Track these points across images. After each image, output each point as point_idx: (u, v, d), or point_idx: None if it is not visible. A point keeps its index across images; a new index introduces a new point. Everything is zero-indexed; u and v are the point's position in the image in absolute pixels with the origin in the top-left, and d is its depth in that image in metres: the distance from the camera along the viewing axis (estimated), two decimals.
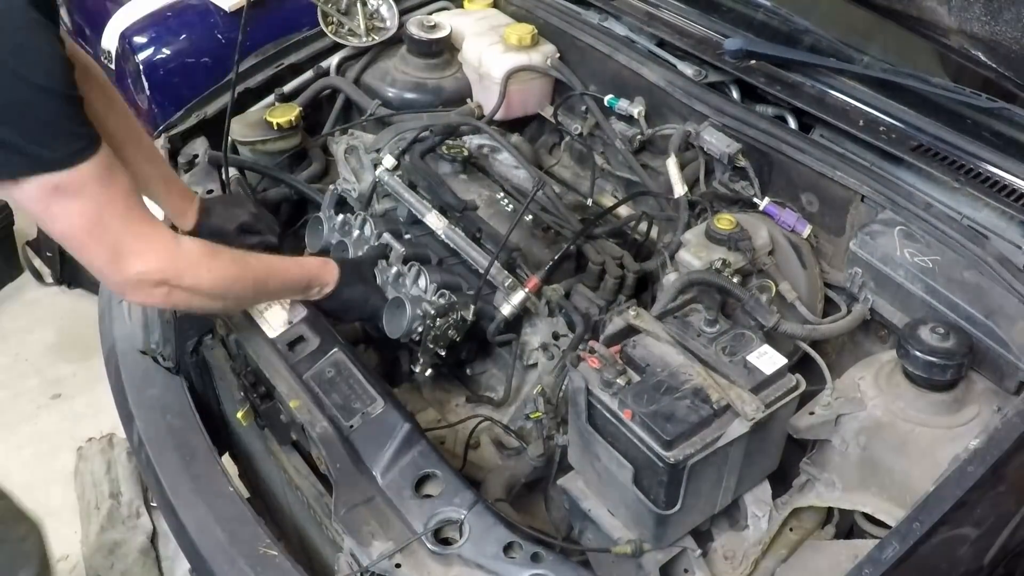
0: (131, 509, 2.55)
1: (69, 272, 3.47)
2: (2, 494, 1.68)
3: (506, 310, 1.66)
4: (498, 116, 2.17)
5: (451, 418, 1.74)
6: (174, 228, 1.76)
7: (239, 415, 1.71)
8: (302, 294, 1.68)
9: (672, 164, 1.83)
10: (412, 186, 1.94)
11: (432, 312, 1.60)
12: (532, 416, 1.50)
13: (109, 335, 1.95)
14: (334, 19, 2.32)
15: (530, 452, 1.50)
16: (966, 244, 1.54)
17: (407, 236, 1.89)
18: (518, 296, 1.66)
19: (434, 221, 1.83)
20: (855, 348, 1.71)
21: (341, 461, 1.50)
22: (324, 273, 1.68)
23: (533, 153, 2.20)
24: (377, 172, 1.94)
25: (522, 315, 1.69)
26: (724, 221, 1.61)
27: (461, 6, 2.46)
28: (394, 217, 1.91)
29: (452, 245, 1.79)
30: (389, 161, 1.96)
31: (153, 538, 2.49)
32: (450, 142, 1.98)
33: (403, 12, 2.38)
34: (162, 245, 1.38)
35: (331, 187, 2.01)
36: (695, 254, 1.61)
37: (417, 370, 1.69)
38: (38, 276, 3.56)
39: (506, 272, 1.70)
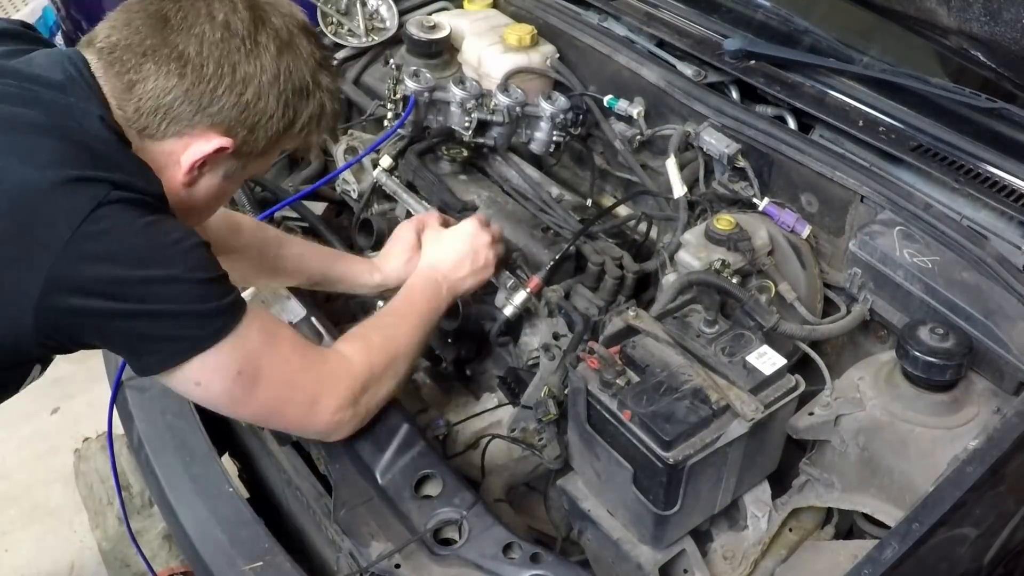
0: (143, 499, 2.56)
1: None
2: None
3: (508, 311, 1.66)
4: None
5: (451, 418, 1.74)
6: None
7: None
8: (438, 300, 1.62)
9: (671, 164, 1.83)
10: (411, 186, 1.94)
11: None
12: (545, 419, 1.49)
13: None
14: (333, 19, 2.32)
15: (547, 455, 1.50)
16: (965, 244, 1.54)
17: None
18: (520, 296, 1.66)
19: None
20: (854, 348, 1.71)
21: (340, 461, 1.50)
22: (426, 266, 1.66)
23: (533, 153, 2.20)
24: (375, 173, 1.94)
25: (522, 316, 1.69)
26: (723, 222, 1.61)
27: (461, 6, 2.45)
28: (393, 218, 1.92)
29: None
30: (387, 161, 1.96)
31: None
32: (450, 143, 1.98)
33: (403, 12, 2.37)
34: (339, 369, 1.37)
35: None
36: (694, 254, 1.61)
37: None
38: None
39: (507, 272, 1.70)
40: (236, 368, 1.23)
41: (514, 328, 1.72)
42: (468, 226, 1.68)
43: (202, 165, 1.26)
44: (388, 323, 1.53)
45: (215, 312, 1.19)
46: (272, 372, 1.28)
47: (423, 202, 1.88)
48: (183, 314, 1.17)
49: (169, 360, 1.20)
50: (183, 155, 1.24)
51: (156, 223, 1.16)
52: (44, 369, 1.37)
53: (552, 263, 1.69)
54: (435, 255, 1.67)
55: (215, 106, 1.21)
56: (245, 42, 1.21)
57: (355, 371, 1.38)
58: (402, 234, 1.76)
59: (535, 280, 1.67)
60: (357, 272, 1.75)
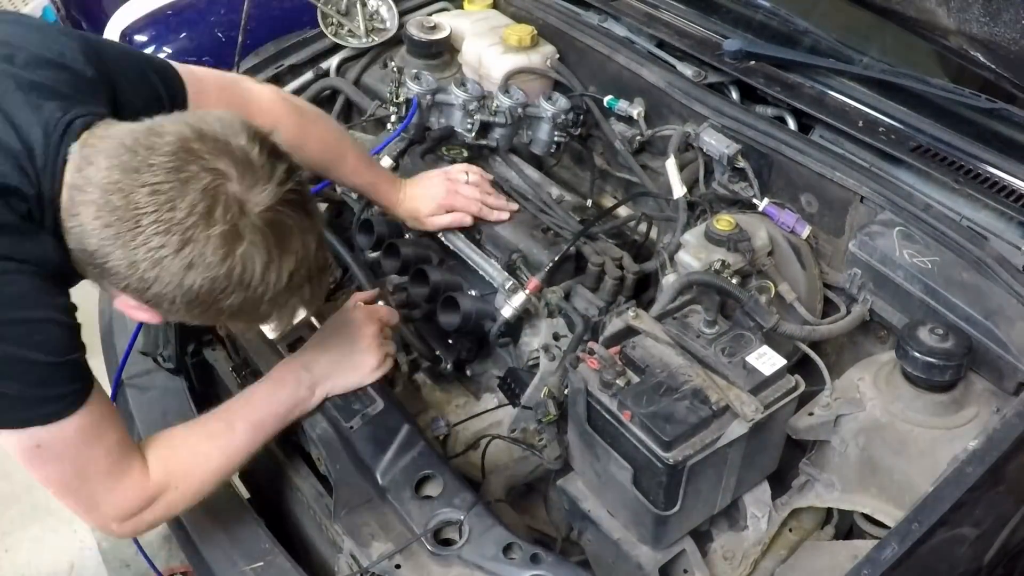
0: None
1: None
2: None
3: (507, 312, 1.66)
4: None
5: (451, 418, 1.74)
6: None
7: None
8: (298, 401, 1.51)
9: (671, 165, 1.83)
10: None
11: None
12: (545, 420, 1.49)
13: (109, 335, 1.96)
14: (334, 20, 2.32)
15: (547, 456, 1.50)
16: (965, 245, 1.54)
17: (408, 236, 1.90)
18: (519, 298, 1.66)
19: None
20: (854, 349, 1.71)
21: (341, 462, 1.50)
22: (306, 372, 1.52)
23: (533, 153, 2.20)
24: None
25: (522, 316, 1.69)
26: (723, 222, 1.61)
27: (461, 7, 2.46)
28: (393, 218, 1.91)
29: (451, 247, 1.79)
30: (387, 162, 1.96)
31: None
32: (450, 143, 1.98)
33: (403, 13, 2.38)
34: (132, 489, 1.31)
35: None
36: (694, 255, 1.61)
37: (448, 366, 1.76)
38: None
39: (506, 274, 1.70)
40: (36, 442, 1.21)
41: (514, 329, 1.72)
42: (357, 325, 1.56)
43: None
44: (219, 435, 1.41)
45: (41, 399, 1.18)
46: (69, 464, 1.25)
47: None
48: (6, 394, 1.16)
49: None
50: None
51: (21, 296, 1.15)
52: None
53: (551, 264, 1.69)
54: (314, 355, 1.53)
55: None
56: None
57: (147, 495, 1.32)
58: (435, 182, 1.80)
59: (534, 281, 1.67)
60: (387, 202, 1.82)
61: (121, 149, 1.12)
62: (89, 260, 1.15)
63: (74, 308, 1.22)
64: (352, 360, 1.54)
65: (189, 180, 1.09)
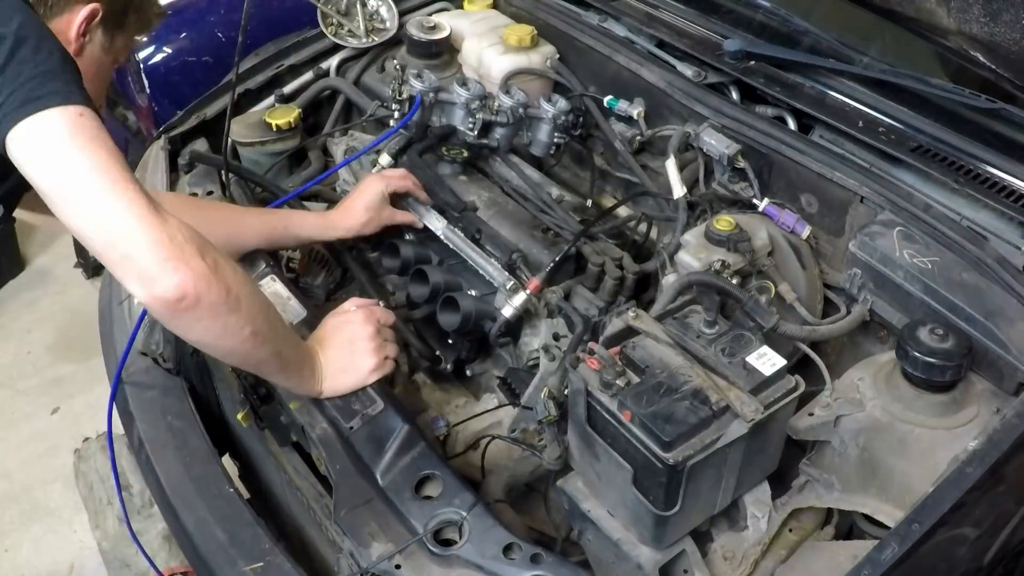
0: (143, 499, 2.56)
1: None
2: None
3: (508, 312, 1.66)
4: None
5: (451, 418, 1.74)
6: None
7: (239, 416, 1.71)
8: (311, 374, 1.52)
9: (671, 165, 1.83)
10: None
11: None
12: (545, 420, 1.49)
13: (109, 335, 1.96)
14: (334, 20, 2.32)
15: (547, 456, 1.50)
16: (965, 245, 1.54)
17: (408, 236, 1.90)
18: (519, 298, 1.66)
19: (433, 222, 1.83)
20: (854, 349, 1.71)
21: (341, 462, 1.50)
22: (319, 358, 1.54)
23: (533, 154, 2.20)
24: (373, 171, 1.95)
25: (522, 316, 1.69)
26: (723, 222, 1.62)
27: (461, 7, 2.46)
28: None
29: (451, 246, 1.80)
30: (385, 159, 1.96)
31: None
32: (450, 143, 1.98)
33: (403, 13, 2.38)
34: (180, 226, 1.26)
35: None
36: (694, 255, 1.61)
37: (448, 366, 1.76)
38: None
39: (507, 274, 1.70)
40: (80, 111, 1.22)
41: (514, 329, 1.72)
42: (355, 326, 1.57)
43: (83, 35, 1.48)
44: (270, 313, 1.41)
45: (70, 80, 1.25)
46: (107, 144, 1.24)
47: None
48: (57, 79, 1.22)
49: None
50: (70, 31, 1.47)
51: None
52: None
53: (552, 264, 1.69)
54: (335, 341, 1.56)
55: None
56: None
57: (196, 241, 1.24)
58: (367, 188, 1.82)
59: (535, 282, 1.67)
60: (311, 229, 1.83)
61: None
62: None
63: None
64: (350, 362, 1.55)
65: None
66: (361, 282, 1.83)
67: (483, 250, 1.77)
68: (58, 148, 1.20)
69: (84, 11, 1.48)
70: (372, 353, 1.56)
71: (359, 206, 1.81)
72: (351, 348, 1.55)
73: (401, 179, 1.85)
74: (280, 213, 1.86)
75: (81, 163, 1.19)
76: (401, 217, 1.86)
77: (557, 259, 1.69)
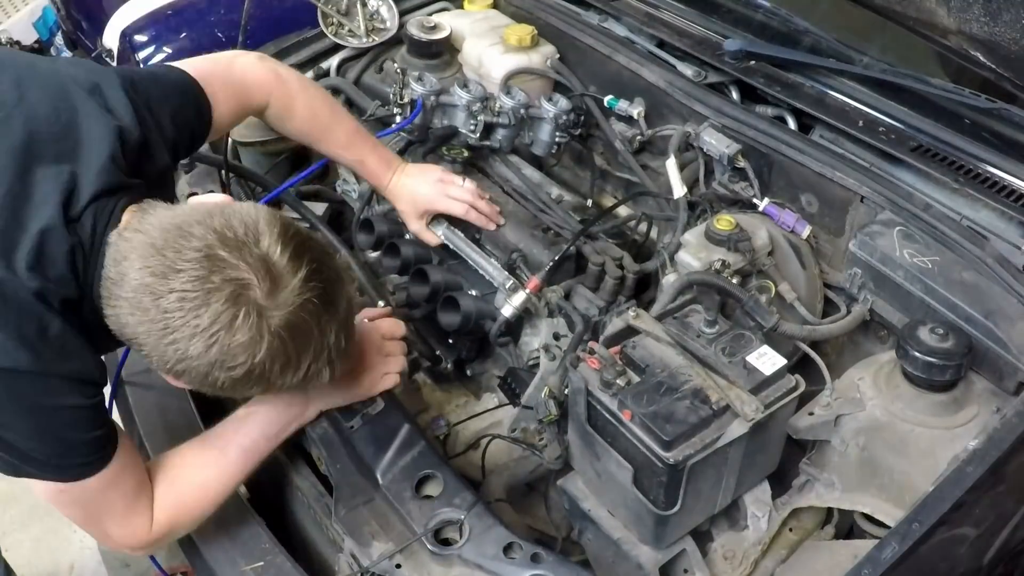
0: None
1: None
2: None
3: (507, 311, 1.66)
4: None
5: (452, 418, 1.74)
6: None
7: None
8: (296, 418, 1.53)
9: (671, 164, 1.83)
10: None
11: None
12: (546, 419, 1.49)
13: None
14: (334, 20, 2.31)
15: (547, 455, 1.50)
16: (965, 245, 1.54)
17: (408, 236, 1.90)
18: (519, 297, 1.66)
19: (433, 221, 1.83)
20: (854, 348, 1.71)
21: (341, 462, 1.50)
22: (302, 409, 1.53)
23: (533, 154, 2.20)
24: None
25: (522, 316, 1.69)
26: (724, 222, 1.62)
27: (461, 7, 2.45)
28: (394, 217, 1.92)
29: (451, 246, 1.79)
30: None
31: None
32: (451, 143, 1.98)
33: (403, 13, 2.37)
34: (141, 528, 1.39)
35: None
36: (695, 255, 1.61)
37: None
38: None
39: (506, 273, 1.70)
40: (59, 489, 1.30)
41: (514, 329, 1.72)
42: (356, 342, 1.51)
43: None
44: (213, 463, 1.45)
45: (68, 466, 1.27)
46: (88, 508, 1.35)
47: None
48: (36, 458, 1.25)
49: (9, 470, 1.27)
50: None
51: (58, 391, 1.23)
52: None
53: (552, 264, 1.69)
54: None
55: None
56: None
57: (155, 532, 1.40)
58: (425, 182, 1.80)
59: (534, 281, 1.67)
60: (374, 182, 1.83)
61: (151, 251, 1.17)
62: (127, 340, 1.23)
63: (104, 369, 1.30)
64: (349, 378, 1.53)
65: (212, 291, 1.15)
66: (361, 282, 1.83)
67: (483, 250, 1.77)
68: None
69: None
70: (373, 369, 1.55)
71: (420, 192, 1.80)
72: (349, 365, 1.51)
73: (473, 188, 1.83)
74: (367, 144, 1.81)
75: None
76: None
77: (556, 258, 1.69)
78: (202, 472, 1.44)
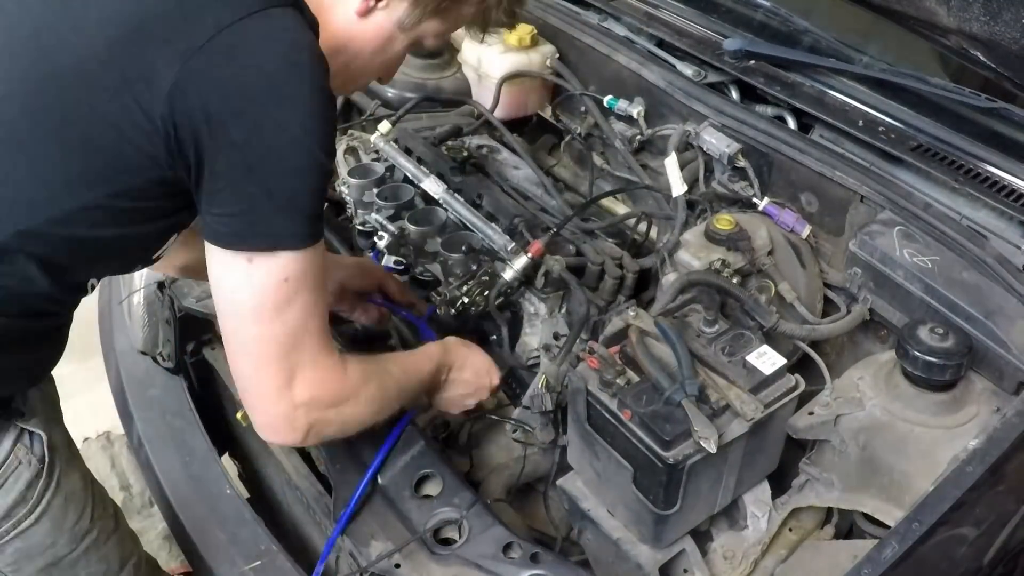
0: (143, 499, 2.56)
1: None
2: None
3: (508, 274, 1.63)
4: (497, 117, 2.17)
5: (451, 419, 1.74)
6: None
7: (239, 415, 1.71)
8: (432, 385, 1.51)
9: (671, 163, 1.83)
10: (409, 153, 1.93)
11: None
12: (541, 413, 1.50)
13: (109, 335, 1.96)
14: None
15: (539, 438, 1.50)
16: (965, 244, 1.54)
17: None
18: (521, 261, 1.63)
19: (432, 186, 1.82)
20: (854, 348, 1.71)
21: (341, 461, 1.50)
22: (448, 355, 1.52)
23: (533, 153, 2.20)
24: (373, 138, 1.94)
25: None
26: (723, 221, 1.61)
27: None
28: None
29: (451, 211, 1.78)
30: (384, 126, 1.95)
31: None
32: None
33: None
34: (334, 372, 1.27)
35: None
36: (694, 254, 1.61)
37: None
38: None
39: (508, 237, 1.68)
40: (285, 275, 1.17)
41: (513, 301, 1.70)
42: (483, 363, 1.56)
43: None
44: (389, 371, 1.41)
45: (306, 215, 1.16)
46: (301, 309, 1.20)
47: (422, 167, 1.86)
48: (289, 206, 1.14)
49: (243, 243, 1.15)
50: None
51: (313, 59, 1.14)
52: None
53: (555, 229, 1.66)
54: (459, 361, 1.54)
55: None
56: None
57: (343, 386, 1.29)
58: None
59: (537, 244, 1.63)
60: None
61: None
62: None
63: None
64: (460, 395, 1.54)
65: None
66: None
67: (484, 215, 1.75)
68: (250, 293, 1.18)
69: None
70: (473, 397, 1.55)
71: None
72: (463, 386, 1.54)
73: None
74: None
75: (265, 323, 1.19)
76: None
77: (558, 225, 1.67)
78: (391, 379, 1.39)
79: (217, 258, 1.18)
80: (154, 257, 1.34)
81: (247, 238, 1.15)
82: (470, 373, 1.53)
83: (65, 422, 1.46)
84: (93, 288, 1.32)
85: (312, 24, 1.20)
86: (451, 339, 1.57)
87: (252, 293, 1.17)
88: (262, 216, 1.14)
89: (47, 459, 1.31)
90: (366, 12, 1.28)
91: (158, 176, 1.16)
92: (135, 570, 1.50)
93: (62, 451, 1.37)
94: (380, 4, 1.28)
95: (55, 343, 1.35)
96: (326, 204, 2.10)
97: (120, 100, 1.11)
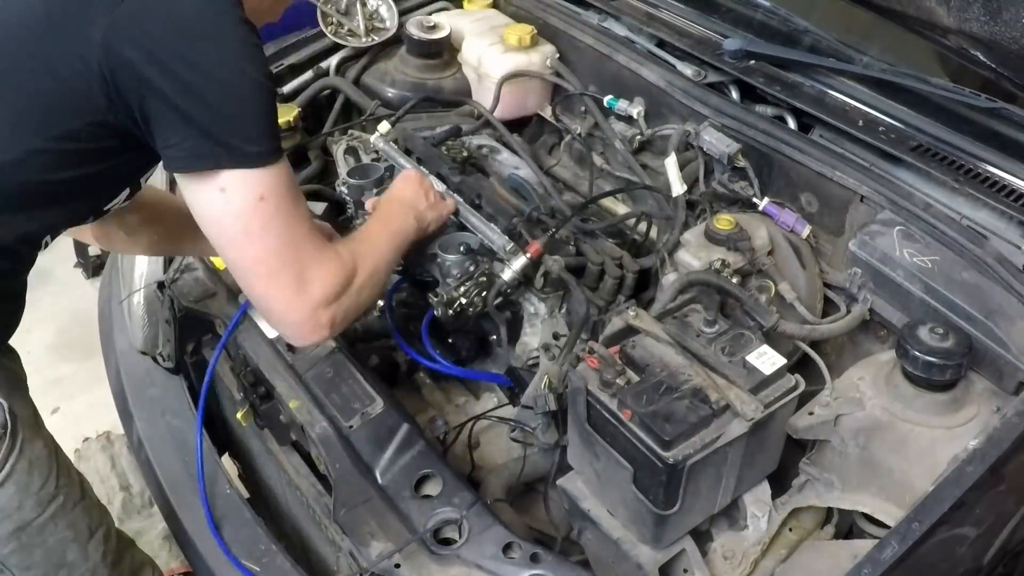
0: (143, 499, 2.56)
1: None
2: None
3: (507, 275, 1.62)
4: (497, 117, 2.17)
5: (451, 419, 1.74)
6: None
7: (239, 415, 1.71)
8: (402, 222, 1.59)
9: (671, 163, 1.83)
10: (409, 153, 1.93)
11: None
12: (544, 414, 1.50)
13: (109, 335, 1.96)
14: (334, 19, 2.32)
15: (541, 438, 1.50)
16: (965, 244, 1.54)
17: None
18: (519, 261, 1.62)
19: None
20: (854, 348, 1.71)
21: (341, 461, 1.50)
22: (391, 192, 1.66)
23: (533, 153, 2.20)
24: (373, 138, 1.94)
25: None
26: (723, 221, 1.61)
27: (461, 6, 2.46)
28: None
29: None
30: (384, 126, 1.95)
31: None
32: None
33: (403, 12, 2.38)
34: (336, 261, 1.35)
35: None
36: (694, 254, 1.61)
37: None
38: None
39: (506, 237, 1.68)
40: (260, 193, 1.24)
41: (512, 302, 1.70)
42: (409, 173, 1.71)
43: None
44: (368, 237, 1.51)
45: (263, 131, 1.24)
46: (285, 223, 1.27)
47: (422, 168, 1.86)
48: (242, 126, 1.22)
49: (204, 162, 1.22)
50: None
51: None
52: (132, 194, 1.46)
53: (554, 230, 1.67)
54: (391, 192, 1.67)
55: None
56: None
57: (347, 270, 1.36)
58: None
59: (535, 245, 1.63)
60: None
61: None
62: None
63: None
64: (426, 195, 1.65)
65: None
66: None
67: (483, 214, 1.74)
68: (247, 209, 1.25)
69: None
70: (433, 194, 1.66)
71: None
72: (425, 192, 1.65)
73: None
74: None
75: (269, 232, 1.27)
76: None
77: (557, 226, 1.67)
78: (370, 243, 1.48)
79: (193, 194, 1.26)
80: (106, 208, 1.43)
81: (204, 156, 1.22)
82: (402, 186, 1.66)
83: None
84: (46, 246, 1.42)
85: None
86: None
87: (236, 218, 1.25)
88: (218, 136, 1.21)
89: (9, 425, 1.37)
90: None
91: (99, 119, 1.24)
92: (104, 540, 1.53)
93: (25, 420, 1.42)
94: None
95: (8, 304, 1.46)
96: (320, 199, 2.12)
97: (58, 49, 1.21)
